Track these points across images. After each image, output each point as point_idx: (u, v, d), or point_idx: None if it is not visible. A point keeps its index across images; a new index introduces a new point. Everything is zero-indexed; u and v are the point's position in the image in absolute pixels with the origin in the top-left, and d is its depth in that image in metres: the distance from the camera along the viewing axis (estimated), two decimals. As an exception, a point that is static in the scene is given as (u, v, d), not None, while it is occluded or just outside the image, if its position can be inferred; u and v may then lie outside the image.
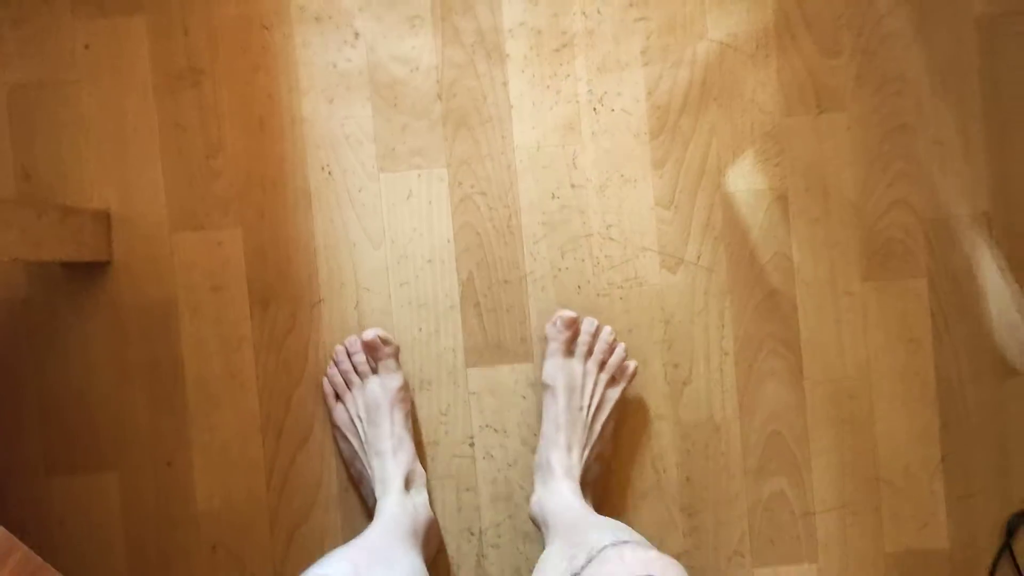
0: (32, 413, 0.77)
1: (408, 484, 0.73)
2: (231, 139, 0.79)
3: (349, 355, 0.76)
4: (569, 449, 0.73)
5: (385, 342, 0.75)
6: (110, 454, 0.77)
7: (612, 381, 0.76)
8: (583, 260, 0.80)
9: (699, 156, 0.81)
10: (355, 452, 0.75)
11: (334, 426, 0.77)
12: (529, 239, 0.80)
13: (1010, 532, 0.81)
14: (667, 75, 0.81)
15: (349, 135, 0.79)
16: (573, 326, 0.76)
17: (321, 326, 0.79)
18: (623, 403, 0.78)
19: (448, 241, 0.80)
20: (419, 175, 0.80)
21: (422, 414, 0.79)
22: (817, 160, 0.82)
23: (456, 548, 0.79)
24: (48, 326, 0.77)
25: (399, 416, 0.75)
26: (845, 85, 0.82)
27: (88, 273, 0.78)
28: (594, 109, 0.81)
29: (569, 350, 0.76)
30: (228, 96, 0.79)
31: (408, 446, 0.75)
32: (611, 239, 0.81)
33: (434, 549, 0.77)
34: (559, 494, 0.71)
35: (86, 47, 0.78)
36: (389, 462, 0.73)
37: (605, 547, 0.53)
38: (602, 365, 0.76)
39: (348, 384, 0.76)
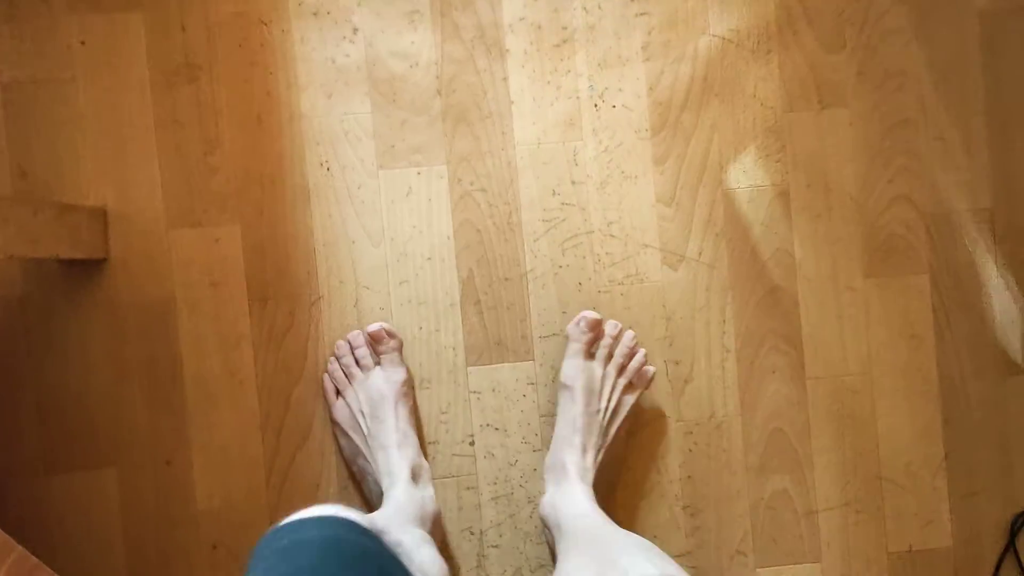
0: (30, 412, 0.77)
1: (414, 477, 0.73)
2: (229, 135, 0.78)
3: (352, 349, 0.76)
4: (584, 452, 0.73)
5: (390, 335, 0.75)
6: (109, 453, 0.77)
7: (629, 386, 0.76)
8: (584, 257, 0.80)
9: (700, 152, 0.81)
10: (357, 448, 0.75)
11: (334, 423, 0.77)
12: (529, 236, 0.80)
13: (1014, 531, 0.81)
14: (668, 71, 0.81)
15: (348, 131, 0.79)
16: (597, 328, 0.75)
17: (320, 324, 0.78)
18: (637, 409, 0.78)
19: (448, 238, 0.79)
20: (419, 172, 0.79)
21: (422, 413, 0.79)
22: (819, 156, 0.81)
23: (457, 547, 0.79)
24: (45, 324, 0.77)
25: (403, 410, 0.74)
26: (847, 81, 0.81)
27: (85, 270, 0.77)
28: (595, 105, 0.80)
29: (590, 352, 0.76)
30: (226, 92, 0.78)
31: (413, 440, 0.74)
32: (612, 236, 0.80)
33: (439, 543, 0.77)
34: (573, 498, 0.70)
35: (82, 43, 0.77)
36: (395, 455, 0.72)
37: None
38: (622, 369, 0.76)
39: (349, 378, 0.76)
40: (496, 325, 0.79)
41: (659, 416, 0.80)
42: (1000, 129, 0.82)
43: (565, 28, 0.80)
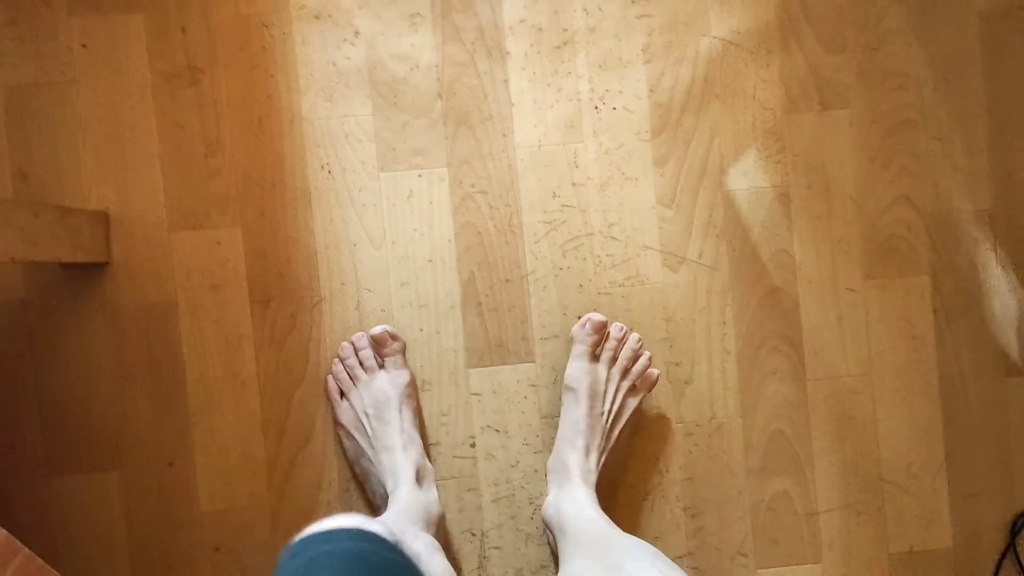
0: (32, 415, 0.77)
1: (419, 479, 0.73)
2: (230, 138, 0.78)
3: (356, 351, 0.76)
4: (587, 454, 0.73)
5: (393, 337, 0.75)
6: (111, 455, 0.77)
7: (633, 389, 0.76)
8: (584, 259, 0.80)
9: (701, 154, 0.81)
10: (361, 449, 0.75)
11: (338, 424, 0.77)
12: (530, 238, 0.80)
13: (1014, 532, 0.81)
14: (669, 72, 0.81)
15: (349, 134, 0.79)
16: (602, 330, 0.76)
17: (322, 326, 0.78)
18: (640, 411, 0.78)
19: (449, 241, 0.79)
20: (420, 174, 0.79)
21: (423, 415, 0.79)
22: (819, 157, 0.81)
23: (458, 549, 0.79)
24: (47, 327, 0.77)
25: (408, 412, 0.75)
26: (847, 81, 0.81)
27: (87, 274, 0.77)
28: (595, 107, 0.80)
29: (595, 354, 0.76)
30: (227, 95, 0.78)
31: (417, 442, 0.75)
32: (612, 238, 0.80)
33: (443, 545, 0.77)
34: (577, 500, 0.70)
35: (83, 46, 0.77)
36: (400, 456, 0.72)
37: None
38: (626, 372, 0.76)
39: (354, 380, 0.76)
40: (497, 327, 0.80)
41: (660, 418, 0.81)
42: (1000, 130, 0.82)
43: (566, 30, 0.80)
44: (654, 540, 0.80)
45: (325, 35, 0.79)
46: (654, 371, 0.77)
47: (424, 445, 0.79)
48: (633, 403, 0.76)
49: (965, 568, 0.81)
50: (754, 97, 0.81)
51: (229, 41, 0.78)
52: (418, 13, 0.79)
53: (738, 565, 0.81)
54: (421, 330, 0.79)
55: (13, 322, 0.77)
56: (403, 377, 0.75)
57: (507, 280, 0.80)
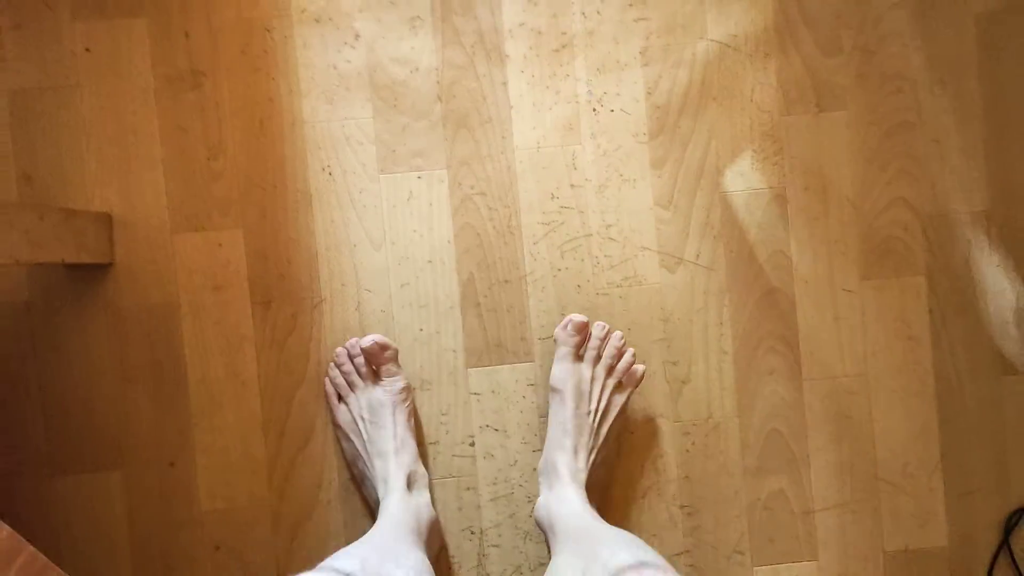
0: (36, 415, 0.78)
1: (410, 484, 0.73)
2: (232, 141, 0.79)
3: (350, 357, 0.76)
4: (576, 453, 0.73)
5: (383, 347, 0.75)
6: (113, 455, 0.78)
7: (619, 386, 0.77)
8: (583, 260, 0.81)
9: (698, 156, 0.81)
10: (357, 452, 0.76)
11: (336, 426, 0.77)
12: (529, 239, 0.80)
13: (1008, 530, 0.82)
14: (666, 75, 0.81)
15: (349, 136, 0.80)
16: (584, 331, 0.76)
17: (322, 327, 0.79)
18: (628, 408, 0.79)
19: (448, 242, 0.80)
20: (419, 176, 0.80)
21: (423, 414, 0.80)
22: (816, 158, 0.82)
23: (457, 548, 0.80)
24: (50, 328, 0.78)
25: (402, 417, 0.75)
26: (844, 83, 0.82)
27: (90, 275, 0.78)
28: (593, 109, 0.81)
29: (578, 354, 0.76)
30: (229, 98, 0.79)
31: (410, 447, 0.75)
32: (610, 239, 0.81)
33: (436, 548, 0.78)
34: (566, 500, 0.71)
35: (87, 50, 0.78)
36: (391, 462, 0.73)
37: (624, 570, 0.52)
38: (610, 370, 0.76)
39: (351, 385, 0.77)
40: (496, 327, 0.80)
41: (657, 417, 0.81)
42: (997, 131, 0.83)
43: (564, 33, 0.81)
44: (651, 538, 0.80)
45: (326, 38, 0.80)
46: (639, 367, 0.77)
47: (423, 445, 0.79)
48: (620, 400, 0.76)
49: (960, 566, 0.82)
50: (751, 99, 0.82)
51: (231, 45, 0.79)
52: (418, 16, 0.80)
53: (734, 563, 0.81)
54: (421, 330, 0.80)
55: (17, 323, 0.78)
56: (397, 383, 0.76)
57: (506, 281, 0.80)
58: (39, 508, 0.77)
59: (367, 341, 0.74)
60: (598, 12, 0.81)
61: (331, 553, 0.61)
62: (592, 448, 0.74)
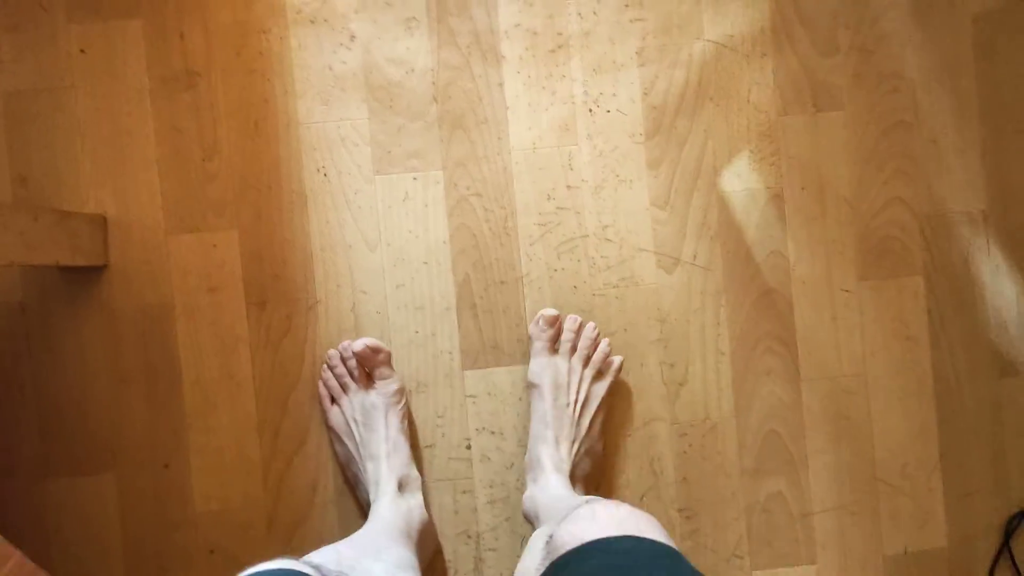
0: (29, 417, 0.77)
1: (402, 487, 0.73)
2: (227, 142, 0.79)
3: (343, 359, 0.76)
4: (557, 444, 0.74)
5: (375, 351, 0.75)
6: (107, 457, 0.78)
7: (598, 376, 0.77)
8: (579, 261, 0.80)
9: (695, 156, 0.81)
10: (351, 455, 0.75)
11: (330, 429, 0.77)
12: (525, 240, 0.80)
13: (1008, 532, 0.81)
14: (663, 75, 0.81)
15: (345, 137, 0.79)
16: (555, 324, 0.76)
17: (318, 328, 0.79)
18: (616, 401, 0.78)
19: (444, 243, 0.80)
20: (415, 177, 0.80)
21: (418, 417, 0.79)
22: (813, 159, 0.82)
23: (453, 551, 0.79)
24: (45, 330, 0.78)
25: (395, 420, 0.75)
26: (841, 84, 0.82)
27: (85, 277, 0.78)
28: (590, 110, 0.81)
29: (553, 348, 0.77)
30: (224, 99, 0.79)
31: (403, 450, 0.75)
32: (607, 240, 0.81)
33: (430, 552, 0.77)
34: (548, 487, 0.71)
35: (82, 51, 0.78)
36: (383, 465, 0.73)
37: (578, 505, 0.52)
38: (587, 361, 0.77)
39: (343, 388, 0.76)
40: (492, 329, 0.80)
41: (654, 419, 0.81)
42: (994, 131, 0.82)
43: (560, 34, 0.81)
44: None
45: (321, 39, 0.79)
46: (616, 358, 0.78)
47: (418, 448, 0.79)
48: (600, 389, 0.76)
49: (960, 568, 0.81)
50: (748, 100, 0.81)
51: (226, 46, 0.79)
52: (414, 17, 0.80)
53: (733, 567, 0.80)
54: (416, 332, 0.79)
55: (11, 325, 0.77)
56: (390, 387, 0.75)
57: (502, 282, 0.80)
58: (32, 510, 0.77)
59: (359, 344, 0.74)
60: (594, 13, 0.81)
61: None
62: (574, 439, 0.74)
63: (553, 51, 0.81)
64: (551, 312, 0.76)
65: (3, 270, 0.77)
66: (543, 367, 0.76)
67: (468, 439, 0.80)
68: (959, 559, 0.81)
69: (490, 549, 0.79)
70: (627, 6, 0.81)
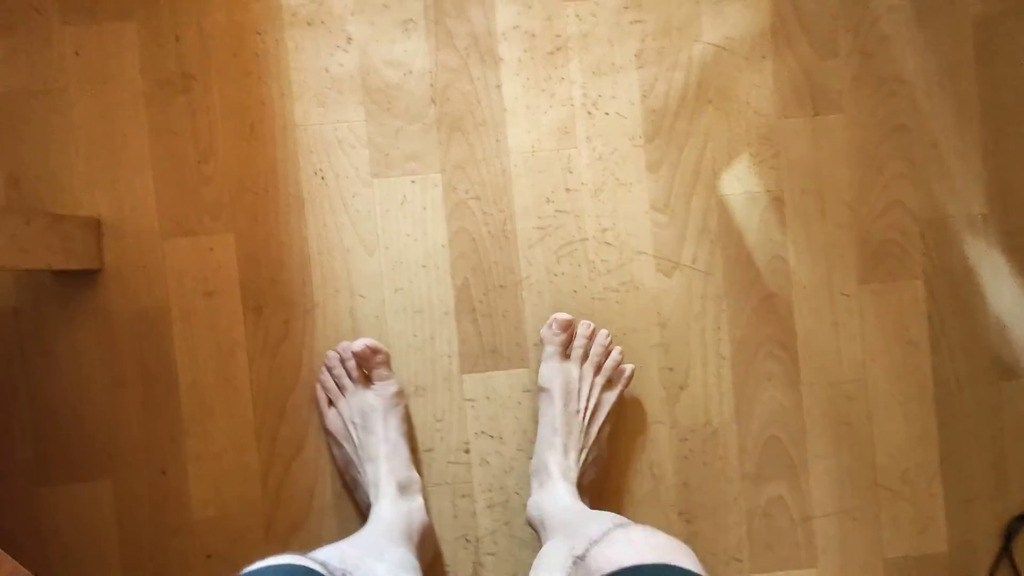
0: (24, 422, 0.77)
1: (402, 490, 0.72)
2: (223, 144, 0.78)
3: (342, 360, 0.76)
4: (566, 452, 0.73)
5: (375, 351, 0.74)
6: (104, 463, 0.77)
7: (608, 384, 0.76)
8: (579, 264, 0.80)
9: (694, 159, 0.81)
10: (349, 458, 0.75)
11: (327, 432, 0.77)
12: (524, 244, 0.80)
13: (1008, 536, 0.81)
14: (662, 78, 0.81)
15: (342, 140, 0.79)
16: (569, 328, 0.76)
17: (315, 332, 0.78)
18: (619, 407, 0.78)
19: (443, 246, 0.79)
20: (413, 180, 0.79)
21: (417, 421, 0.79)
22: (813, 162, 0.81)
23: (452, 555, 0.79)
24: (39, 335, 0.77)
25: (393, 422, 0.74)
26: (841, 87, 0.82)
27: (79, 281, 0.77)
28: (588, 112, 0.80)
29: (565, 353, 0.76)
30: (220, 101, 0.78)
31: (403, 452, 0.74)
32: (606, 243, 0.80)
33: (430, 555, 0.77)
34: (556, 495, 0.70)
35: (76, 53, 0.77)
36: (383, 467, 0.72)
37: (612, 528, 0.52)
38: (598, 368, 0.76)
39: (341, 389, 0.76)
40: (491, 333, 0.79)
41: (655, 422, 0.80)
42: (994, 135, 0.82)
43: (559, 36, 0.80)
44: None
45: (318, 41, 0.79)
46: (628, 366, 0.77)
47: (417, 452, 0.79)
48: (610, 398, 0.76)
49: (960, 573, 0.81)
50: (748, 102, 0.81)
51: (222, 48, 0.78)
52: (411, 19, 0.79)
53: (733, 570, 0.80)
54: (415, 336, 0.79)
55: (4, 329, 0.77)
56: (389, 388, 0.75)
57: (501, 286, 0.80)
58: (28, 517, 0.76)
59: (358, 345, 0.74)
60: (593, 14, 0.80)
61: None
62: (583, 447, 0.74)
63: (552, 53, 0.80)
64: (565, 316, 0.75)
65: (-3, 274, 0.77)
66: (554, 372, 0.75)
67: (467, 443, 0.79)
68: (959, 564, 0.81)
69: (489, 553, 0.79)
70: (626, 8, 0.80)
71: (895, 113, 0.82)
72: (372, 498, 0.72)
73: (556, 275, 0.80)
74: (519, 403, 0.79)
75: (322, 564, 0.51)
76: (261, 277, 0.78)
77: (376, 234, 0.79)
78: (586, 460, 0.74)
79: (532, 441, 0.79)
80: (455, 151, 0.79)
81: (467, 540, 0.79)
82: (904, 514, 0.81)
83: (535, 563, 0.59)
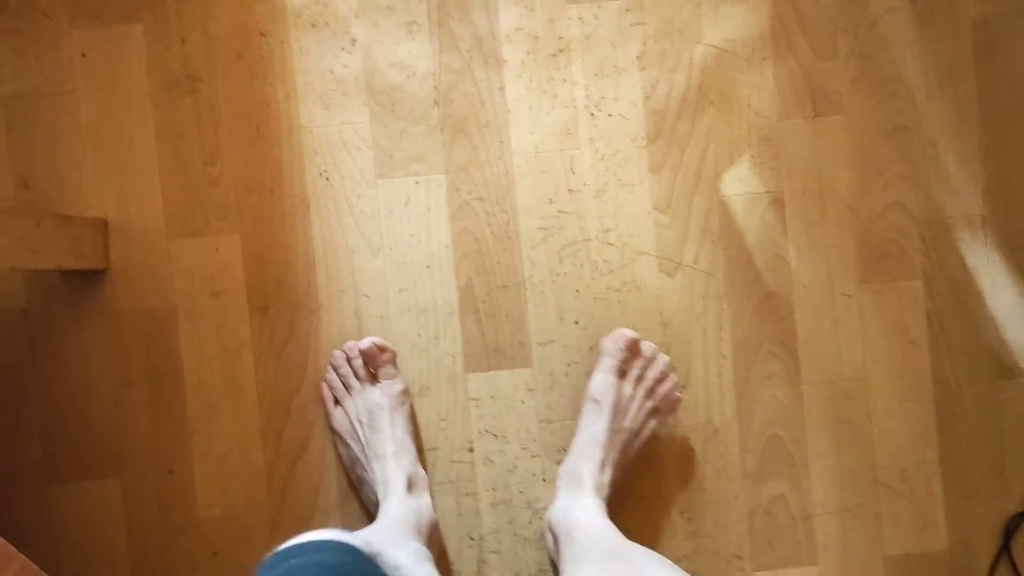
0: (32, 422, 0.77)
1: (410, 487, 0.73)
2: (229, 146, 0.79)
3: (348, 360, 0.76)
4: (603, 467, 0.73)
5: (382, 349, 0.75)
6: (111, 462, 0.78)
7: (655, 411, 0.76)
8: (581, 265, 0.81)
9: (696, 160, 0.81)
10: (355, 457, 0.75)
11: (333, 431, 0.77)
12: (527, 244, 0.80)
13: (1008, 534, 0.81)
14: (664, 80, 0.81)
15: (347, 141, 0.79)
16: (635, 348, 0.75)
17: (320, 332, 0.79)
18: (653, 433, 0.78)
19: (446, 247, 0.80)
20: (417, 181, 0.80)
21: (421, 420, 0.80)
22: (813, 163, 0.82)
23: (457, 554, 0.79)
24: (47, 334, 0.77)
25: (400, 420, 0.75)
26: (841, 88, 0.82)
27: (86, 281, 0.78)
28: (591, 114, 0.81)
29: (623, 370, 0.76)
30: (225, 103, 0.79)
31: (410, 449, 0.75)
32: (609, 243, 0.81)
33: (437, 553, 0.77)
34: (587, 509, 0.70)
35: (83, 56, 0.78)
36: (391, 465, 0.73)
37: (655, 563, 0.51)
38: (650, 393, 0.76)
39: (347, 388, 0.76)
40: (494, 332, 0.80)
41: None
42: (994, 136, 0.83)
43: (561, 38, 0.81)
44: (651, 544, 0.80)
45: (322, 43, 0.79)
46: (677, 394, 0.77)
47: (422, 451, 0.79)
48: (653, 425, 0.76)
49: (960, 571, 0.82)
50: (748, 104, 0.82)
51: (227, 50, 0.79)
52: (415, 21, 0.80)
53: (734, 568, 0.81)
54: (419, 335, 0.80)
55: (13, 330, 0.77)
56: (395, 386, 0.75)
57: (504, 286, 0.80)
58: (36, 516, 0.77)
59: (365, 343, 0.74)
60: (595, 17, 0.81)
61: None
62: (618, 466, 0.74)
63: (554, 55, 0.81)
64: (632, 335, 0.75)
65: (5, 274, 0.77)
66: (609, 386, 0.74)
67: (471, 442, 0.80)
68: (959, 561, 0.82)
69: (493, 552, 0.79)
70: (628, 10, 0.81)
71: (894, 114, 0.82)
72: (380, 496, 0.72)
73: (559, 275, 0.80)
74: (522, 402, 0.80)
75: (367, 542, 0.51)
76: (267, 277, 0.79)
77: (380, 235, 0.80)
78: (616, 480, 0.74)
79: (535, 440, 0.80)
80: (459, 152, 0.80)
81: (471, 538, 0.79)
82: (904, 512, 0.82)
83: None
